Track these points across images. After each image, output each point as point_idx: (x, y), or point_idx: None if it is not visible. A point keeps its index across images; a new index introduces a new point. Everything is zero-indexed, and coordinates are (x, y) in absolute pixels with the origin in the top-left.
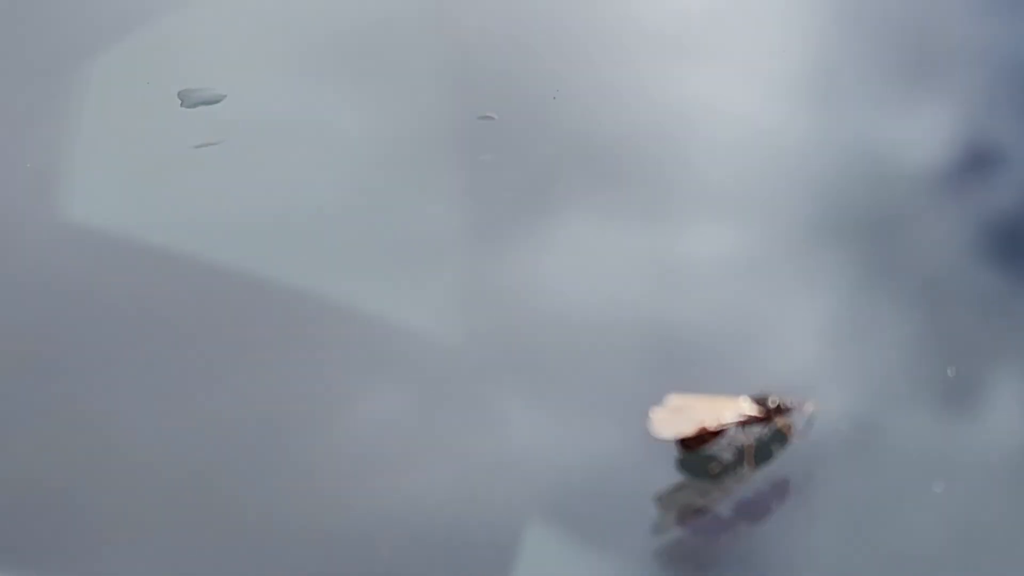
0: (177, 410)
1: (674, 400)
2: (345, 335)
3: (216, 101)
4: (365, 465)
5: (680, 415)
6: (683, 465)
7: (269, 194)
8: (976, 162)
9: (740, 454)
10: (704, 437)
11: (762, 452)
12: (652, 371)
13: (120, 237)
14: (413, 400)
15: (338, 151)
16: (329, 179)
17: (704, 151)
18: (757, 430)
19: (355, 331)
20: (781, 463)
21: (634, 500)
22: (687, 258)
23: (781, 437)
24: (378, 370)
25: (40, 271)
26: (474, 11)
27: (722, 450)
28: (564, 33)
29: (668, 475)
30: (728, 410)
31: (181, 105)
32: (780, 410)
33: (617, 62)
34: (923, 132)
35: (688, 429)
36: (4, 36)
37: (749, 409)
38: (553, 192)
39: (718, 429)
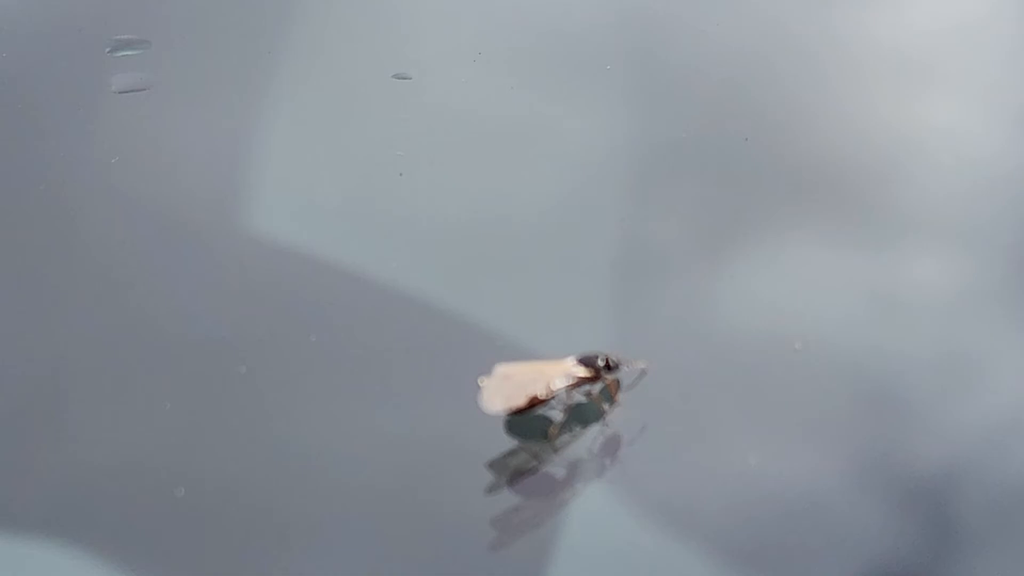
0: (361, 430)
1: (501, 368)
2: (540, 350)
3: (143, 48)
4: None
5: (508, 384)
6: (512, 428)
7: (475, 208)
8: None
9: (570, 413)
10: (535, 403)
11: (590, 411)
12: (860, 400)
13: (309, 252)
14: (618, 416)
15: (553, 162)
16: (539, 191)
17: (928, 177)
18: (586, 388)
19: (552, 345)
20: (612, 419)
21: (836, 532)
22: (903, 286)
23: (608, 395)
24: None
25: (226, 284)
26: (713, 26)
27: (551, 410)
28: (799, 54)
29: (871, 507)
30: (557, 374)
31: (108, 52)
32: (609, 367)
33: (850, 83)
34: None
35: (519, 400)
36: (196, 42)
37: (577, 370)
38: (774, 213)
39: (549, 397)
